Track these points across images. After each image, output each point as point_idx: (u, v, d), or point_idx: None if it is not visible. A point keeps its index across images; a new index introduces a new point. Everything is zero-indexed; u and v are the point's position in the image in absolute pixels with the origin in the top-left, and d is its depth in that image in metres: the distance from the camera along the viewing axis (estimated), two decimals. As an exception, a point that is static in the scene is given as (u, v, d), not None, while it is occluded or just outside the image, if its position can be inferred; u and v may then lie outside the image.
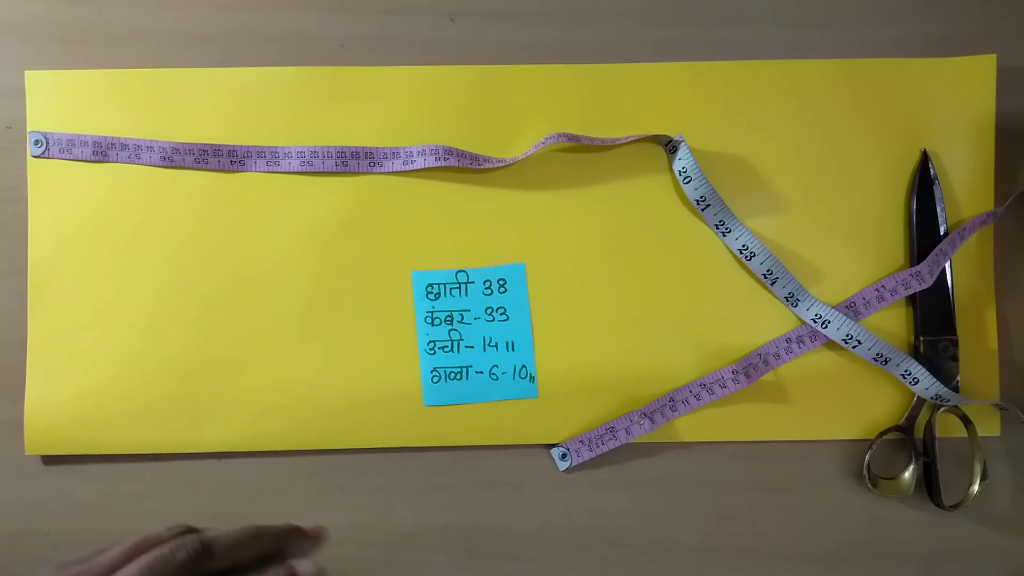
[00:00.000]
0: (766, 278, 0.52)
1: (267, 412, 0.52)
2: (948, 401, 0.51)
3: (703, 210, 0.52)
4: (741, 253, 0.52)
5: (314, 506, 0.53)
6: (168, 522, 0.53)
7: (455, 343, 0.53)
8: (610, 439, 0.52)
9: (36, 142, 0.52)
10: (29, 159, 0.53)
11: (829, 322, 0.51)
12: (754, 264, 0.52)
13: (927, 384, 0.50)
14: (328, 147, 0.52)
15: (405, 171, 0.53)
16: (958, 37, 0.53)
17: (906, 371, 0.51)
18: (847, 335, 0.50)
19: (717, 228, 0.52)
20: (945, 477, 0.52)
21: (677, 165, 0.52)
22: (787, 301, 0.52)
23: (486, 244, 0.53)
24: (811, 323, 0.51)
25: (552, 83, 0.53)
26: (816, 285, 0.53)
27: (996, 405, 0.52)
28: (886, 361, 0.51)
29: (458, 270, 0.53)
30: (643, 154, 0.53)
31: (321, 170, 0.52)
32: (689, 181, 0.51)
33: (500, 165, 0.52)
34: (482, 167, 0.52)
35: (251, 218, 0.53)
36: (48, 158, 0.53)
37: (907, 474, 0.52)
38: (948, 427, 0.52)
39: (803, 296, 0.51)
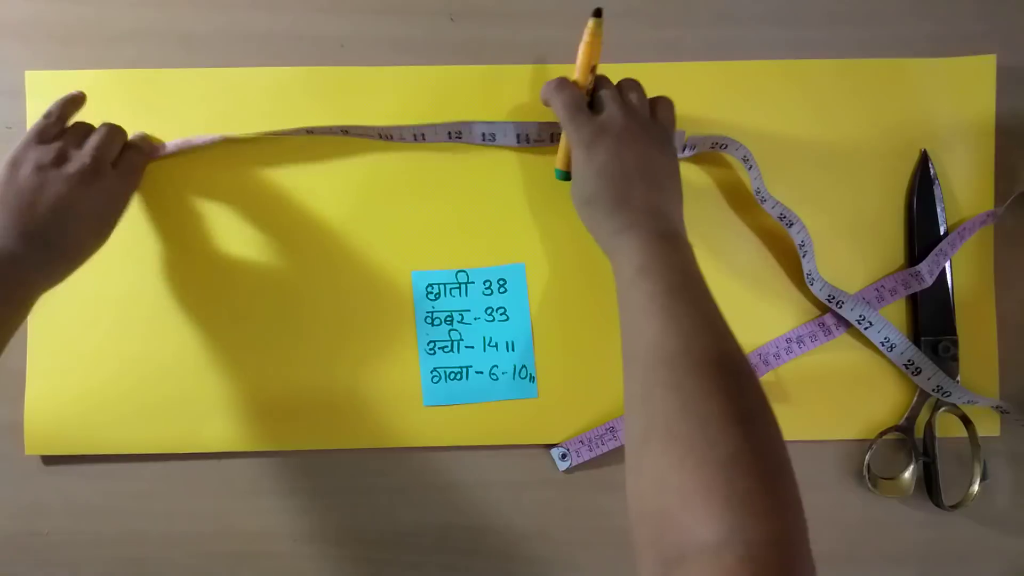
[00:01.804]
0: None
1: (267, 412, 0.52)
2: (949, 394, 0.51)
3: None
4: (782, 220, 0.51)
5: (314, 506, 0.53)
6: (167, 522, 0.53)
7: (455, 343, 0.53)
8: (610, 439, 0.52)
9: None
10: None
11: (843, 303, 0.51)
12: (793, 232, 0.51)
13: (929, 374, 0.50)
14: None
15: (404, 170, 0.53)
16: (958, 37, 0.53)
17: (910, 360, 0.51)
18: (860, 316, 0.51)
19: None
20: (945, 477, 0.52)
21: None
22: (807, 278, 0.52)
23: (486, 244, 0.53)
24: (826, 302, 0.51)
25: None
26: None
27: (995, 407, 0.52)
28: (892, 347, 0.51)
29: (458, 270, 0.53)
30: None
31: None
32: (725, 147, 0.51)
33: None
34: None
35: (251, 219, 0.53)
36: None
37: (907, 474, 0.52)
38: (948, 427, 0.52)
39: (847, 298, 0.51)
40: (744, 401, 0.36)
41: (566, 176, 0.49)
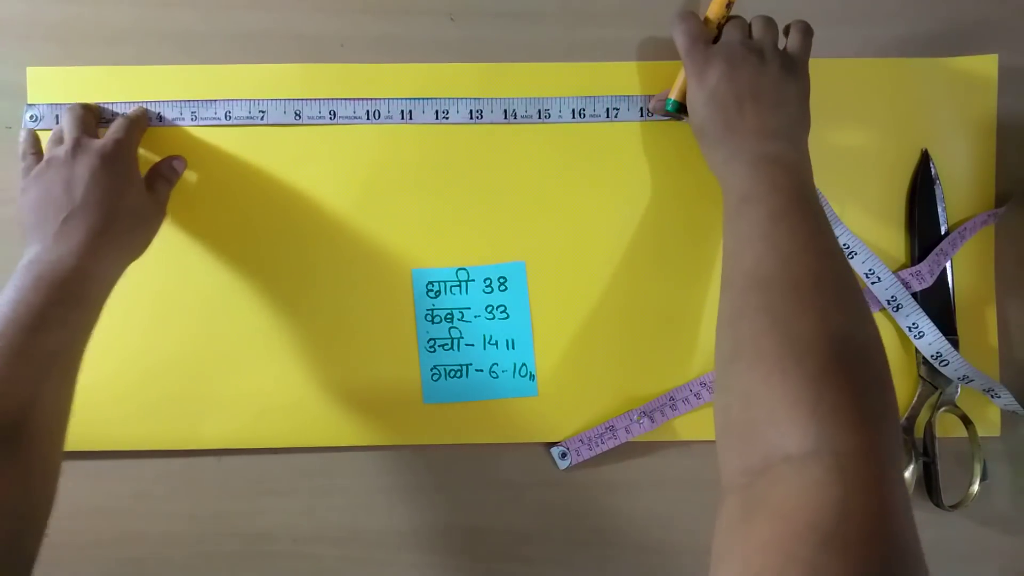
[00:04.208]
0: None
1: (267, 410, 0.52)
2: (947, 363, 0.51)
3: None
4: None
5: (314, 505, 0.53)
6: (167, 522, 0.53)
7: (455, 341, 0.53)
8: (610, 438, 0.52)
9: (31, 116, 0.52)
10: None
11: (856, 253, 0.51)
12: None
13: (931, 339, 0.51)
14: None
15: (405, 168, 0.53)
16: (958, 37, 0.53)
17: (914, 323, 0.51)
18: (870, 270, 0.51)
19: None
20: (945, 477, 0.52)
21: None
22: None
23: (487, 242, 0.53)
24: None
25: (552, 82, 0.53)
26: (816, 285, 0.53)
27: (988, 392, 0.51)
28: (898, 307, 0.51)
29: (458, 268, 0.53)
30: (644, 153, 0.53)
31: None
32: None
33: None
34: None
35: (251, 217, 0.53)
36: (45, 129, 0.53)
37: (907, 474, 0.52)
38: (948, 427, 0.52)
39: (834, 222, 0.51)
40: (838, 316, 0.36)
41: (677, 107, 0.49)
